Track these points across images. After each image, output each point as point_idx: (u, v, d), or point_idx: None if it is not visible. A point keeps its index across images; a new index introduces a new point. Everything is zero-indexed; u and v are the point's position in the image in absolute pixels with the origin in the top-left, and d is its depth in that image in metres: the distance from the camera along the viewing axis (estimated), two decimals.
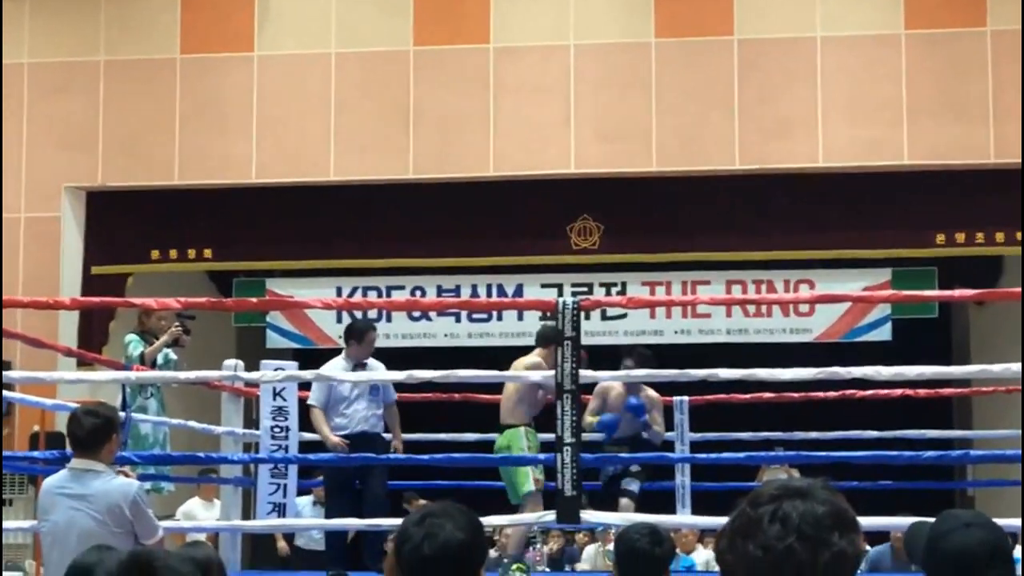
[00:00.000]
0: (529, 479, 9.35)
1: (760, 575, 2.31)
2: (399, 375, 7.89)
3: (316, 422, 9.97)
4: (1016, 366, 7.65)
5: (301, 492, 11.70)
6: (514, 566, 9.18)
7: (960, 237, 14.36)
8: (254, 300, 10.92)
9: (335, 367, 9.66)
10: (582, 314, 7.71)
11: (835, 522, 2.32)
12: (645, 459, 9.70)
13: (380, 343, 15.06)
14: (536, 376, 8.65)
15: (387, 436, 10.17)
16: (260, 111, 14.94)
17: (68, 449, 6.70)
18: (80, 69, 15.15)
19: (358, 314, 15.17)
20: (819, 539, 2.29)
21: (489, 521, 7.90)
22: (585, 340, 14.46)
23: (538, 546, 10.75)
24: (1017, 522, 6.78)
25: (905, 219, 14.41)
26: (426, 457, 8.67)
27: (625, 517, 7.39)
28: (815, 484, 2.38)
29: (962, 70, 14.16)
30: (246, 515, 11.27)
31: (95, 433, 6.33)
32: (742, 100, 14.41)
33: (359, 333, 10.13)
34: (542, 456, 8.59)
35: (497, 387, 10.63)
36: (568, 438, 7.23)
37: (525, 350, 11.06)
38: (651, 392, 10.68)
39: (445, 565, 3.24)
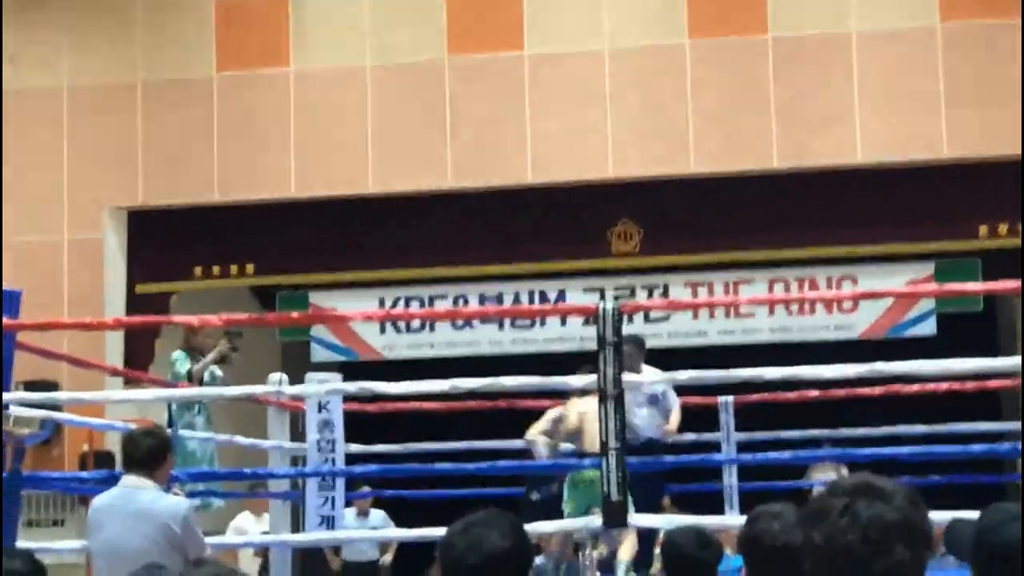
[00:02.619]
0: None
1: (816, 563, 2.35)
2: (442, 384, 7.89)
3: None
4: None
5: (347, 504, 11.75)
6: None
7: (1003, 229, 14.27)
8: (295, 315, 10.97)
9: None
10: (624, 317, 7.68)
11: (903, 533, 2.31)
12: (691, 463, 9.69)
13: (423, 353, 15.21)
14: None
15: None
16: (298, 125, 14.99)
17: (120, 468, 6.74)
18: (118, 90, 15.25)
19: (400, 323, 15.31)
20: (881, 545, 2.30)
21: (535, 528, 7.89)
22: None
23: (588, 551, 10.74)
24: None
25: (947, 212, 14.33)
26: (472, 466, 8.67)
27: (672, 519, 7.37)
28: (897, 490, 2.37)
29: (999, 60, 14.06)
30: (296, 529, 11.30)
31: (152, 453, 6.41)
32: (778, 98, 14.37)
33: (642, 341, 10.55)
34: (587, 461, 8.57)
35: (542, 393, 10.65)
36: (613, 443, 7.22)
37: (568, 356, 11.12)
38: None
39: (489, 574, 3.24)
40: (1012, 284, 8.02)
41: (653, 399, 10.68)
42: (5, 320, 7.70)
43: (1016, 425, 13.49)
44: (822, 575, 2.36)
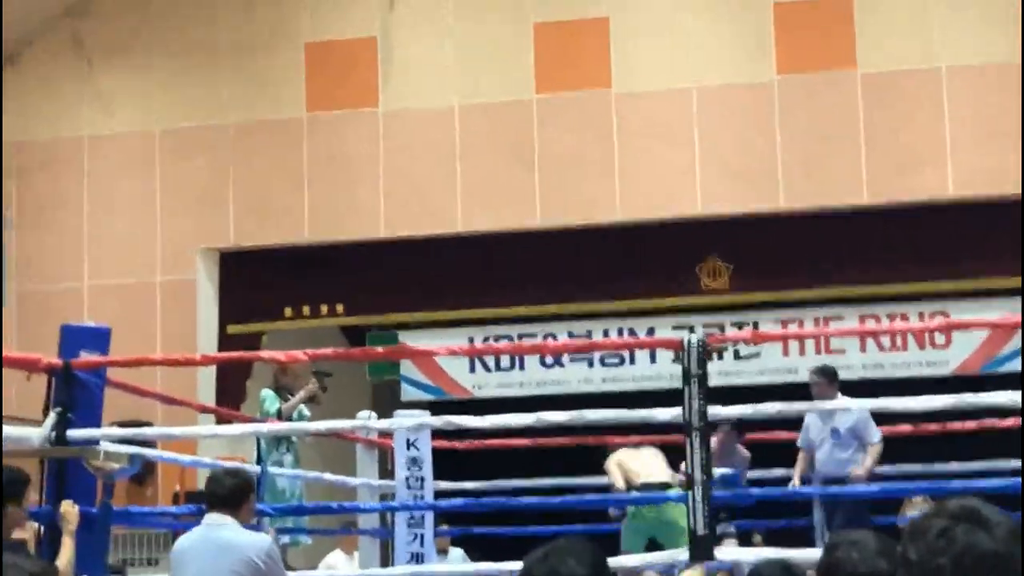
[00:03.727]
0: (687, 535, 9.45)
1: (902, 572, 2.35)
2: (528, 418, 7.89)
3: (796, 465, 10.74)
4: None
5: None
6: None
7: None
8: (379, 349, 11.00)
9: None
10: (712, 353, 7.66)
11: (997, 565, 2.28)
12: (780, 495, 9.61)
13: (513, 392, 15.21)
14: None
15: None
16: (386, 165, 15.10)
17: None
18: (209, 132, 15.43)
19: (489, 361, 15.32)
20: (972, 573, 2.27)
21: (619, 562, 7.86)
22: (718, 380, 14.44)
23: None
24: None
25: None
26: (557, 499, 8.66)
27: (759, 553, 7.32)
28: (1003, 522, 2.34)
29: None
30: (385, 566, 11.32)
31: (234, 492, 6.44)
32: (868, 133, 14.30)
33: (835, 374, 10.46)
34: (674, 495, 8.54)
35: (629, 429, 10.63)
36: (699, 476, 7.19)
37: (658, 394, 11.07)
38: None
39: None
40: None
41: (835, 434, 10.51)
42: (95, 357, 7.79)
43: None
44: None
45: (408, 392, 15.58)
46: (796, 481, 10.50)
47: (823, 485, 10.18)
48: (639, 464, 10.52)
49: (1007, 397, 7.54)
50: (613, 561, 7.87)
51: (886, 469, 11.07)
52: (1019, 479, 8.95)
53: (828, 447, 10.43)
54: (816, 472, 10.47)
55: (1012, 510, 9.96)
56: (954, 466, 10.94)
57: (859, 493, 9.14)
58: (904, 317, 14.62)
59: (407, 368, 15.59)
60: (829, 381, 10.33)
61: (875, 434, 10.39)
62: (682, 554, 7.34)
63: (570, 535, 3.43)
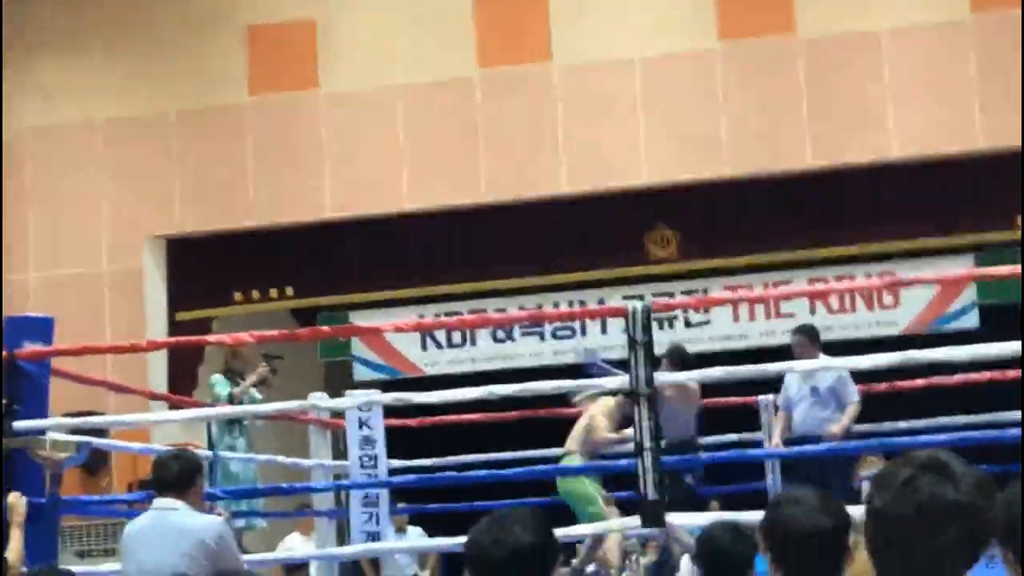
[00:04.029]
0: (597, 500, 9.45)
1: (874, 527, 2.39)
2: (478, 391, 7.89)
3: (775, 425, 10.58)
4: None
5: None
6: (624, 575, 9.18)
7: None
8: (327, 329, 10.96)
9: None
10: (662, 322, 7.68)
11: (960, 516, 2.32)
12: (729, 459, 9.62)
13: (465, 368, 15.21)
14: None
15: None
16: (330, 147, 15.05)
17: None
18: (152, 121, 15.34)
19: (440, 338, 15.32)
20: (935, 524, 2.31)
21: (572, 531, 7.88)
22: None
23: (635, 557, 10.69)
24: None
25: (984, 204, 14.23)
26: (510, 472, 8.66)
27: (711, 518, 7.33)
28: (969, 473, 2.37)
29: None
30: (343, 546, 11.31)
31: (181, 476, 6.42)
32: (810, 97, 14.33)
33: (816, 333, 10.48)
34: (623, 462, 8.53)
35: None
36: (648, 443, 7.20)
37: (610, 364, 11.08)
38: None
39: (514, 569, 3.22)
40: None
41: (815, 392, 10.33)
42: (39, 347, 7.76)
43: None
44: (877, 541, 2.38)
45: (360, 372, 15.56)
46: (777, 441, 10.41)
47: (800, 444, 10.09)
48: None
49: (954, 353, 7.58)
50: (562, 531, 7.90)
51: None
52: (968, 434, 9.02)
53: (806, 406, 10.32)
54: (793, 431, 10.39)
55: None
56: (902, 425, 10.95)
57: (810, 452, 9.14)
58: (852, 279, 14.66)
59: (359, 348, 15.57)
60: (811, 340, 10.32)
61: (853, 393, 10.30)
62: (633, 520, 7.36)
63: (516, 505, 3.43)
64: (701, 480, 10.46)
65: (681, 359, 10.07)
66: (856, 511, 4.02)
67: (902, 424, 10.89)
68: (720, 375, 7.90)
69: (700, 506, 9.78)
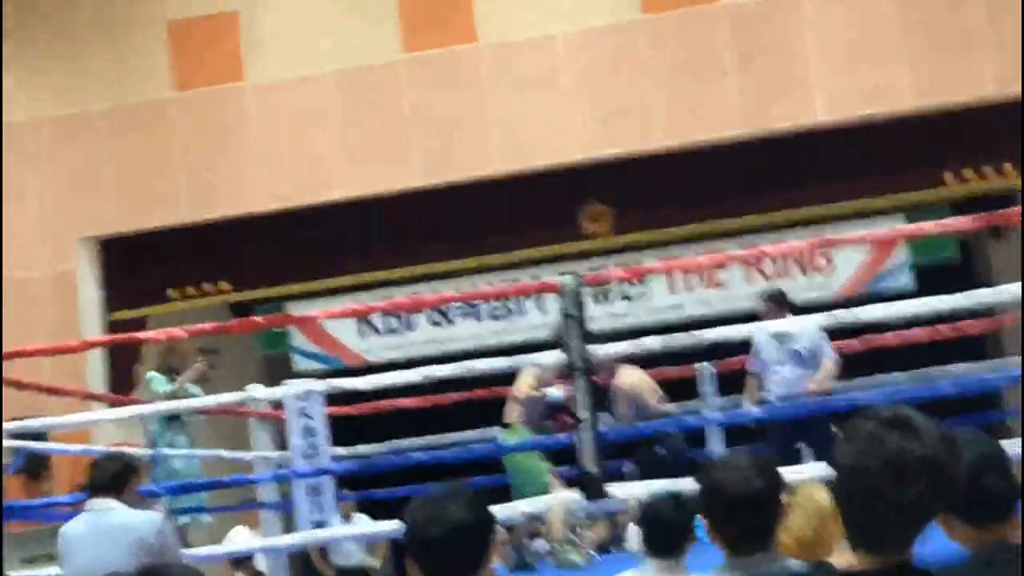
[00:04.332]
0: (546, 475, 9.41)
1: (841, 481, 2.42)
2: (414, 374, 7.88)
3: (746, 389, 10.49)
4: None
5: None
6: (567, 548, 9.19)
7: (969, 174, 14.27)
8: (259, 319, 10.91)
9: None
10: (598, 295, 7.70)
11: (926, 470, 2.35)
12: (671, 427, 9.63)
13: (404, 354, 15.19)
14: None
15: None
16: (259, 138, 14.97)
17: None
18: (78, 120, 15.21)
19: (378, 325, 15.28)
20: (902, 477, 2.34)
21: (511, 508, 7.89)
22: (608, 322, 14.52)
23: (579, 531, 10.71)
24: None
25: (911, 163, 14.32)
26: (448, 453, 8.65)
27: (652, 486, 7.36)
28: (932, 429, 2.40)
29: (954, 4, 14.04)
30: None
31: (116, 477, 6.40)
32: (734, 64, 14.36)
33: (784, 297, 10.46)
34: (562, 437, 8.55)
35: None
36: (586, 416, 7.22)
37: (550, 343, 11.06)
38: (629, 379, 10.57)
39: (453, 545, 3.23)
40: (968, 219, 8.00)
41: (797, 356, 10.26)
42: None
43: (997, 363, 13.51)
44: (844, 495, 2.41)
45: (300, 363, 15.53)
46: (750, 406, 10.36)
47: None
48: None
49: (884, 311, 7.64)
50: (500, 507, 7.91)
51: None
52: (904, 389, 9.09)
53: (790, 368, 10.23)
54: (780, 395, 10.26)
55: None
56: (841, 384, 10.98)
57: (745, 416, 9.17)
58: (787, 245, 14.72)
59: (298, 340, 15.54)
60: (778, 305, 10.32)
61: (830, 351, 10.28)
62: (575, 494, 7.38)
63: (451, 483, 3.43)
64: (683, 449, 10.33)
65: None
66: (788, 473, 4.05)
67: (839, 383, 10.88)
68: (656, 346, 7.90)
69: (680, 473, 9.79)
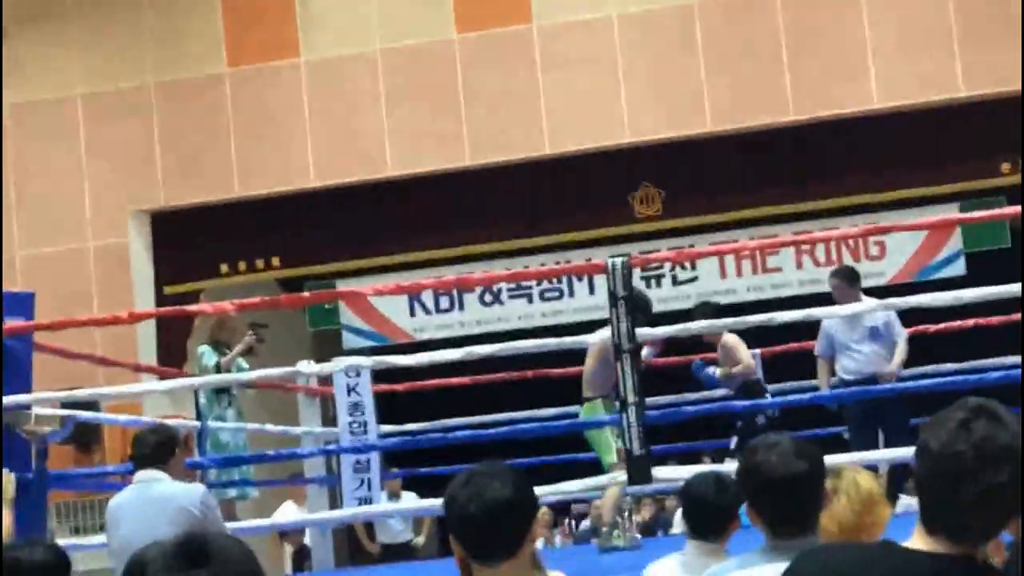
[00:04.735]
0: (612, 450, 9.24)
1: (928, 467, 2.47)
2: (458, 353, 7.89)
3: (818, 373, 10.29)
4: None
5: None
6: (615, 532, 9.16)
7: None
8: (307, 294, 10.93)
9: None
10: (643, 278, 7.68)
11: (1013, 456, 2.42)
12: (712, 411, 9.58)
13: (453, 332, 15.19)
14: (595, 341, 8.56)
15: None
16: (312, 115, 15.01)
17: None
18: (131, 94, 15.29)
19: (428, 304, 15.32)
20: (991, 462, 2.41)
21: (558, 488, 7.89)
22: (658, 307, 14.48)
23: (626, 514, 10.70)
24: None
25: (967, 151, 14.22)
26: (503, 429, 8.65)
27: (694, 469, 7.34)
28: (1013, 420, 2.47)
29: None
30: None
31: (159, 448, 6.47)
32: (790, 50, 14.30)
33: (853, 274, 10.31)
34: (607, 418, 8.52)
35: (570, 360, 10.61)
36: (632, 398, 7.21)
37: (599, 324, 11.03)
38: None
39: (493, 523, 3.22)
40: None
41: (875, 333, 10.09)
42: (20, 323, 7.75)
43: None
44: (928, 480, 2.46)
45: (349, 340, 15.56)
46: (825, 388, 10.20)
47: (872, 384, 9.84)
48: None
49: (931, 297, 7.60)
50: (547, 488, 7.91)
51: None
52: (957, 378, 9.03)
53: (869, 346, 10.06)
54: (858, 372, 10.07)
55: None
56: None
57: (795, 401, 9.10)
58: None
59: (347, 317, 15.56)
60: (848, 283, 10.12)
61: (901, 328, 10.15)
62: (621, 476, 7.37)
63: (492, 461, 3.43)
64: (775, 420, 10.21)
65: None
66: (832, 459, 4.05)
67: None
68: (699, 328, 7.88)
69: None
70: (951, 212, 14.10)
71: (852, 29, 14.21)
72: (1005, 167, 14.23)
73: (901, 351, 10.08)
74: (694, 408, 9.37)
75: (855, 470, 4.55)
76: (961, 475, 2.40)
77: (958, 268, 14.50)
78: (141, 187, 15.22)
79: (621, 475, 7.76)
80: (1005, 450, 2.41)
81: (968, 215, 11.88)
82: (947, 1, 14.09)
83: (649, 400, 8.27)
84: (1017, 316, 10.34)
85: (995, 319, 10.94)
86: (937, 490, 2.44)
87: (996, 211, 11.43)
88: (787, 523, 3.62)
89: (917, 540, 2.48)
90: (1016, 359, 11.04)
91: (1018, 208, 8.97)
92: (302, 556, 13.12)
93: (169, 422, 7.45)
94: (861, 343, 10.11)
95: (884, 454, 8.90)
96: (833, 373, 10.30)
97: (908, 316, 10.20)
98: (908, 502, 8.57)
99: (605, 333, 9.47)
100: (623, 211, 14.93)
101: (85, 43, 15.41)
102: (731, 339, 10.28)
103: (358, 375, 10.67)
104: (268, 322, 11.61)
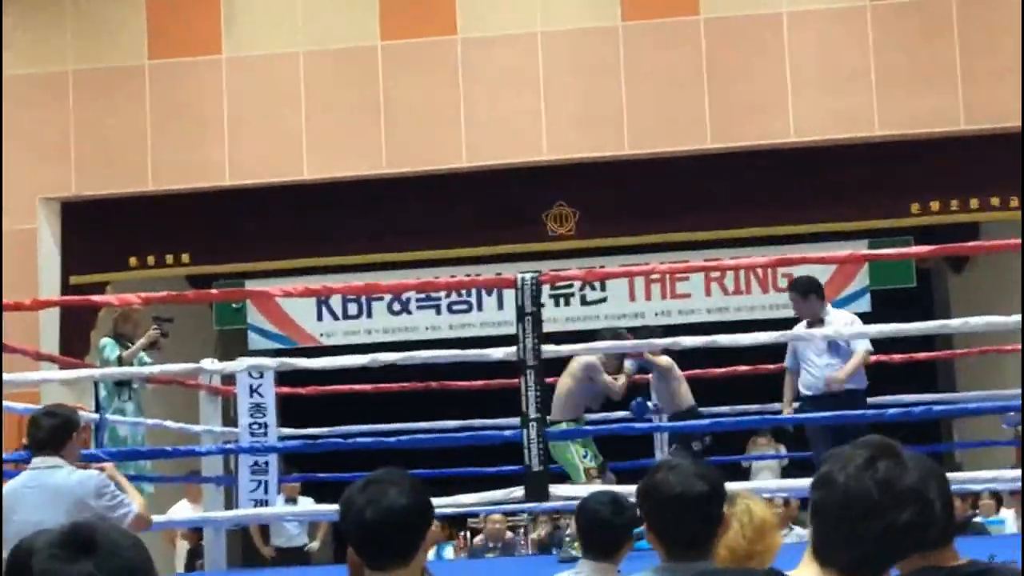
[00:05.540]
0: (580, 471, 9.12)
1: (832, 502, 2.48)
2: (363, 359, 7.88)
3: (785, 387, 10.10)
4: (997, 319, 7.67)
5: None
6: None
7: (935, 205, 14.37)
8: (215, 291, 10.85)
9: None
10: (552, 297, 7.71)
11: (915, 498, 2.45)
12: (622, 431, 9.58)
13: (360, 339, 15.17)
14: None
15: None
16: (231, 113, 14.93)
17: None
18: (49, 80, 15.13)
19: (336, 309, 15.28)
20: (894, 502, 2.44)
21: (455, 500, 7.89)
22: (566, 326, 14.56)
23: (520, 531, 10.73)
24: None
25: (879, 190, 14.41)
26: (393, 440, 8.63)
27: (590, 490, 7.36)
28: (915, 460, 2.51)
29: (929, 38, 14.15)
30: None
31: (55, 432, 6.34)
32: (711, 78, 14.40)
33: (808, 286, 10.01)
34: (508, 433, 8.51)
35: (474, 373, 10.63)
36: (533, 413, 7.22)
37: (505, 339, 11.04)
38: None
39: (388, 530, 3.23)
40: (929, 248, 8.06)
41: (833, 346, 9.79)
42: None
43: (951, 396, 13.59)
44: (830, 512, 2.47)
45: (255, 341, 15.49)
46: (787, 409, 10.04)
47: (829, 400, 9.70)
48: None
49: (834, 331, 7.66)
50: (444, 500, 7.91)
51: (724, 409, 11.17)
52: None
53: (826, 360, 9.80)
54: (815, 388, 9.80)
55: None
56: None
57: (694, 427, 9.15)
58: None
59: (254, 317, 15.49)
60: (803, 295, 9.90)
61: (863, 341, 9.76)
62: (516, 492, 7.38)
63: (391, 467, 3.44)
64: (710, 447, 10.11)
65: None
66: (732, 485, 4.08)
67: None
68: (604, 348, 7.92)
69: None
70: (860, 248, 14.25)
71: (774, 63, 14.34)
72: (915, 207, 14.41)
73: (854, 362, 9.75)
74: (593, 429, 9.39)
75: (749, 497, 4.60)
76: (867, 511, 2.42)
77: (863, 304, 14.65)
78: (53, 174, 15.06)
79: (515, 491, 7.76)
80: (909, 491, 2.44)
81: (876, 252, 12.01)
82: (867, 42, 14.26)
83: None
84: (920, 355, 10.50)
85: (897, 356, 11.05)
86: (838, 523, 2.46)
87: (904, 249, 11.57)
88: (683, 545, 3.65)
89: (805, 570, 2.50)
90: (915, 397, 11.25)
91: (924, 248, 9.09)
92: (195, 555, 13.04)
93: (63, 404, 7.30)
94: (820, 355, 9.87)
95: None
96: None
97: None
98: (801, 533, 8.65)
99: (587, 358, 9.38)
100: (537, 228, 14.96)
101: (9, 26, 15.22)
102: (665, 360, 10.24)
103: (261, 376, 10.63)
104: (175, 318, 11.52)
